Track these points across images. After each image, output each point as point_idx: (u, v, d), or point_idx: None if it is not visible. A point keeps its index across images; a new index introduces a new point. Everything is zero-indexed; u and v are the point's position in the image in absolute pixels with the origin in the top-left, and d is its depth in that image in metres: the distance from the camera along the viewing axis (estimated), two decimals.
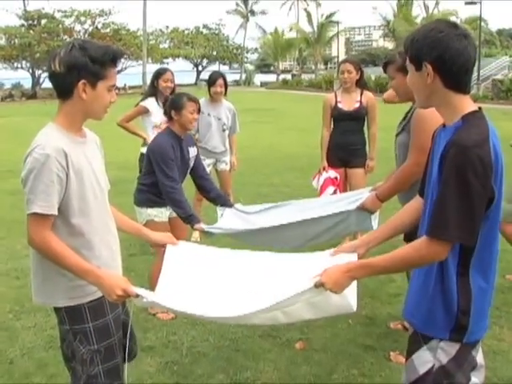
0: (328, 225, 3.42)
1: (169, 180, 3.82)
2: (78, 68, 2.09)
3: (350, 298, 2.03)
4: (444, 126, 1.93)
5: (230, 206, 3.89)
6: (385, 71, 3.42)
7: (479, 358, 1.99)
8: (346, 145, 5.35)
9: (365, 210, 3.35)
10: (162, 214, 4.08)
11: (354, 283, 2.03)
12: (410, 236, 2.93)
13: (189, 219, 3.73)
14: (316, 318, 2.30)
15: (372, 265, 1.95)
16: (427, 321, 1.93)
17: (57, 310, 2.29)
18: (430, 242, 1.78)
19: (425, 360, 1.93)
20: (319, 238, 3.51)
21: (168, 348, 3.69)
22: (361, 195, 3.62)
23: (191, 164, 4.14)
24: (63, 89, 2.15)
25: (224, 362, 3.49)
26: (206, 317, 2.17)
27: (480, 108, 1.87)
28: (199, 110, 4.07)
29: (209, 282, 2.38)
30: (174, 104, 4.02)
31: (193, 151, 4.14)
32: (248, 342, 3.73)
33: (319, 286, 1.93)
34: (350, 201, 3.59)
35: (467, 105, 1.84)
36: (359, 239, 2.28)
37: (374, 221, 3.40)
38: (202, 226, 3.63)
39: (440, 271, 1.87)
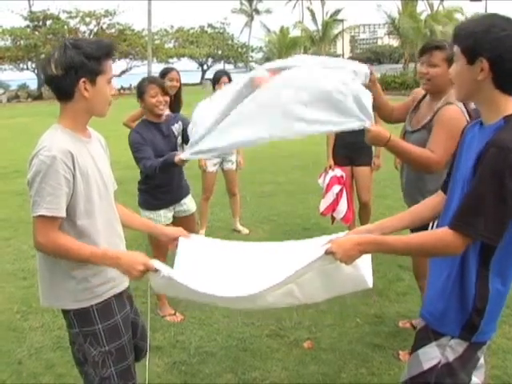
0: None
1: (141, 161, 3.71)
2: (76, 67, 2.08)
3: (364, 272, 2.02)
4: (481, 123, 1.89)
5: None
6: (421, 55, 3.14)
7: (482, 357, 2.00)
8: (352, 143, 5.31)
9: (366, 133, 2.98)
10: (161, 217, 3.98)
11: (369, 260, 2.04)
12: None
13: (167, 163, 3.51)
14: (331, 296, 2.24)
15: (386, 242, 1.91)
16: (441, 317, 1.93)
17: (65, 313, 2.28)
18: (452, 234, 1.77)
19: (431, 356, 1.93)
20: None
21: (176, 348, 3.68)
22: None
23: (178, 138, 4.04)
24: (64, 91, 2.13)
25: (232, 362, 3.48)
26: (221, 297, 2.12)
27: None
28: (165, 92, 3.88)
29: (222, 268, 2.36)
30: (137, 91, 3.90)
31: (178, 127, 4.03)
32: (256, 342, 3.72)
33: (329, 253, 1.92)
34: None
35: (510, 106, 1.81)
36: (374, 224, 2.22)
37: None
38: (181, 156, 3.32)
39: (461, 271, 1.86)
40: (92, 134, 2.34)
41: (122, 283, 2.36)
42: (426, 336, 1.97)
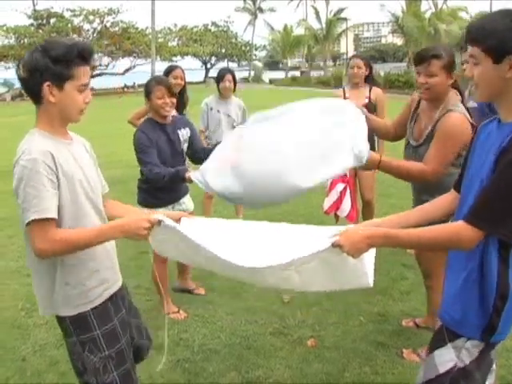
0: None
1: (145, 165, 3.73)
2: (40, 70, 2.01)
3: (367, 269, 1.98)
4: (499, 121, 1.87)
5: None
6: (418, 64, 3.06)
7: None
8: None
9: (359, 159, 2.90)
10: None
11: (372, 258, 2.00)
12: None
13: (179, 174, 3.55)
14: (331, 289, 2.23)
15: (397, 236, 1.88)
16: (460, 319, 1.90)
17: (61, 322, 2.24)
18: (468, 228, 1.75)
19: (447, 359, 1.91)
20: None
21: (179, 346, 3.69)
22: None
23: (184, 146, 4.02)
24: (32, 93, 2.07)
25: (235, 360, 3.48)
26: (223, 260, 2.06)
27: None
28: (172, 94, 3.87)
29: (227, 241, 2.30)
30: (145, 90, 3.92)
31: (185, 133, 4.03)
32: (259, 340, 3.72)
33: (336, 246, 1.88)
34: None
35: None
36: (381, 220, 2.18)
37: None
38: (191, 174, 3.31)
39: (481, 270, 1.84)
40: (74, 138, 2.28)
41: (116, 283, 2.35)
42: (441, 338, 1.95)
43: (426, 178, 2.94)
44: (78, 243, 2.06)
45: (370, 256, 1.98)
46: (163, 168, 3.68)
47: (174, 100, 3.90)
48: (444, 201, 2.16)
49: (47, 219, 1.99)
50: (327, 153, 2.69)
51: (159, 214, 2.15)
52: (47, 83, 2.02)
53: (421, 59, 3.03)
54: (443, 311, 2.00)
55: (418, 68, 3.06)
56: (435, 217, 2.13)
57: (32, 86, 2.05)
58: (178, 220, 2.41)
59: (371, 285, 2.00)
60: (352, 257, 1.89)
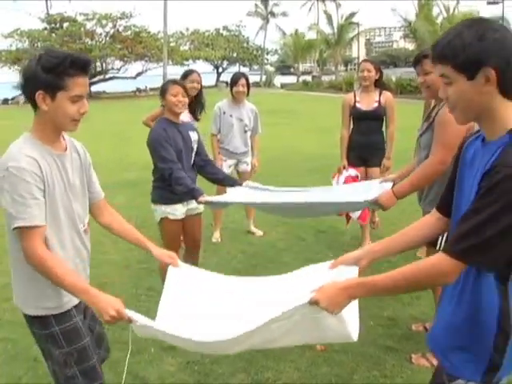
0: (336, 208, 3.54)
1: (165, 162, 3.84)
2: (32, 79, 2.06)
3: (349, 324, 1.84)
4: (483, 139, 1.71)
5: (240, 184, 3.98)
6: (415, 67, 3.36)
7: None
8: (366, 144, 5.47)
9: (378, 205, 3.27)
10: (177, 211, 4.08)
11: (356, 308, 1.89)
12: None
13: (192, 193, 3.75)
14: (313, 342, 2.19)
15: (374, 284, 1.72)
16: (457, 361, 1.75)
17: (24, 314, 2.32)
18: (445, 259, 1.59)
19: None
20: (325, 214, 3.93)
21: None
22: (372, 185, 3.73)
23: (195, 147, 4.15)
24: (28, 99, 2.11)
25: (245, 362, 3.49)
26: (201, 342, 1.96)
27: None
28: (186, 94, 4.03)
29: (208, 308, 2.25)
30: (160, 90, 4.09)
31: (194, 135, 4.16)
32: None
33: (313, 303, 1.74)
34: (362, 192, 3.62)
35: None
36: (362, 249, 2.07)
37: None
38: (207, 198, 3.68)
39: (473, 301, 1.69)
40: (69, 144, 2.31)
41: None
42: (440, 376, 1.82)
43: (436, 169, 3.08)
44: (50, 273, 2.06)
45: (352, 309, 1.85)
46: (186, 178, 3.83)
47: (187, 100, 4.04)
48: (424, 223, 2.00)
49: (33, 226, 2.05)
50: None
51: (131, 311, 2.02)
52: (39, 92, 2.06)
53: (415, 61, 3.34)
54: (435, 346, 1.87)
55: (416, 70, 3.36)
56: (417, 240, 1.99)
57: (27, 93, 2.10)
58: (165, 264, 2.43)
59: (355, 339, 1.87)
60: (332, 313, 1.75)
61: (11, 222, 2.07)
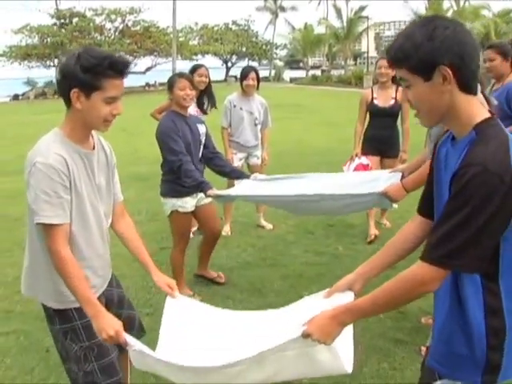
0: (346, 202, 3.47)
1: (174, 154, 3.87)
2: (69, 76, 2.06)
3: (342, 356, 1.79)
4: (453, 138, 1.67)
5: (247, 177, 4.01)
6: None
7: None
8: (381, 138, 5.59)
9: (387, 197, 3.26)
10: (187, 204, 4.11)
11: (350, 337, 1.84)
12: None
13: (200, 186, 3.78)
14: (309, 377, 2.13)
15: (357, 307, 1.69)
16: (453, 364, 1.69)
17: (46, 309, 2.33)
18: (423, 266, 1.55)
19: None
20: (333, 212, 3.85)
21: None
22: (381, 175, 3.72)
23: (203, 140, 4.18)
24: (63, 96, 2.12)
25: None
26: (200, 371, 1.92)
27: (492, 113, 1.61)
28: (193, 87, 4.08)
29: (204, 342, 2.20)
30: (168, 84, 4.13)
31: (202, 128, 4.20)
32: None
33: (306, 336, 1.70)
34: (371, 182, 3.61)
35: (477, 110, 1.59)
36: (354, 273, 1.97)
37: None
38: (216, 191, 3.72)
39: (458, 302, 1.65)
40: (97, 143, 2.32)
41: (101, 288, 2.41)
42: (431, 375, 1.75)
43: None
44: (66, 275, 2.08)
45: (346, 340, 1.81)
46: (196, 171, 3.85)
47: (194, 93, 4.09)
48: (408, 230, 1.93)
49: (55, 224, 2.06)
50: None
51: (130, 336, 2.01)
52: (75, 90, 2.06)
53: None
54: (433, 360, 1.78)
55: None
56: (406, 248, 1.92)
57: (62, 90, 2.10)
58: (164, 287, 2.38)
59: (349, 371, 1.81)
60: (324, 343, 1.70)
61: (34, 217, 2.07)
